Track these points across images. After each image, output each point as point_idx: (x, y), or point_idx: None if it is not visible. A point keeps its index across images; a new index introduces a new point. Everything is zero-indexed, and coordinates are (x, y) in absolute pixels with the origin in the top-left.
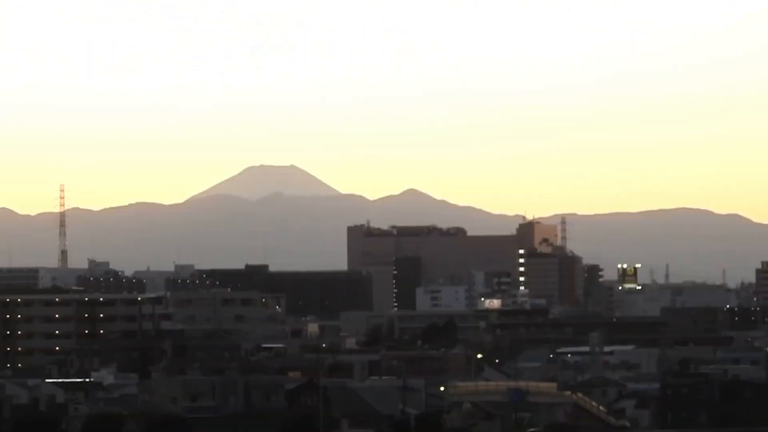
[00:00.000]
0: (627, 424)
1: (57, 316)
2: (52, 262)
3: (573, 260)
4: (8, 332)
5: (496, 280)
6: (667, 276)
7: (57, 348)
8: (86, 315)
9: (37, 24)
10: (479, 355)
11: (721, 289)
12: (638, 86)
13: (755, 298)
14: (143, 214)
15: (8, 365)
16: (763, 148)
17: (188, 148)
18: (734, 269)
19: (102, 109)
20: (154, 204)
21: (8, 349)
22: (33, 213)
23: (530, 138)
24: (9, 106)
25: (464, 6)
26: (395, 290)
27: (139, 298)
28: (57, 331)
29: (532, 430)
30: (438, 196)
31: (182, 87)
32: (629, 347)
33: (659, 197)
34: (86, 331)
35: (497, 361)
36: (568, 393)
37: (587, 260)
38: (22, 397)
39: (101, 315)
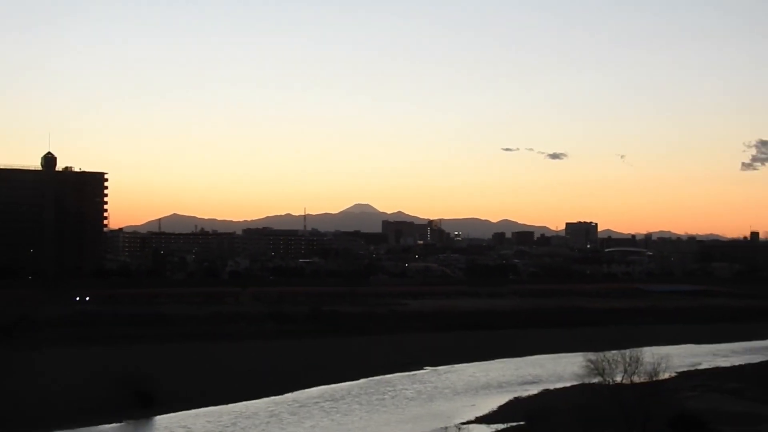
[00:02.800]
0: (456, 276)
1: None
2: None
3: (443, 231)
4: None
5: (423, 236)
6: (468, 235)
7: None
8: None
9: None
10: (416, 256)
11: (482, 240)
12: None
13: (492, 243)
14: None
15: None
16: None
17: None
18: (486, 234)
19: None
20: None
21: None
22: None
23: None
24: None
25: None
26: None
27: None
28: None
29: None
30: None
31: None
32: (457, 255)
33: (466, 211)
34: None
35: (421, 258)
36: (441, 267)
37: (447, 231)
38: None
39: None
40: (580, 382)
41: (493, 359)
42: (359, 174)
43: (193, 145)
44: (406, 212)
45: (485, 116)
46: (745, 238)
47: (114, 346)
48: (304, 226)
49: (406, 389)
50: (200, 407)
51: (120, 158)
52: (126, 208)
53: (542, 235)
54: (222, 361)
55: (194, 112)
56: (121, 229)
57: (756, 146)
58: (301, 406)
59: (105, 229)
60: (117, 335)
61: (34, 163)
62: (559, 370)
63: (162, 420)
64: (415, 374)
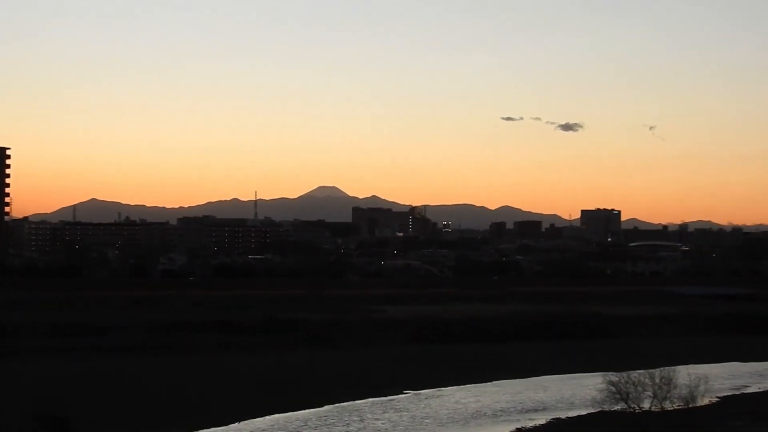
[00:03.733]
0: (444, 275)
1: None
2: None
3: (427, 220)
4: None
5: (403, 226)
6: (459, 226)
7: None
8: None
9: None
10: (395, 252)
11: (476, 232)
12: None
13: (489, 236)
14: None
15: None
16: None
17: None
18: (482, 225)
19: None
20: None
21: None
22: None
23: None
24: None
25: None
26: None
27: None
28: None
29: None
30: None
31: None
32: (445, 250)
33: (456, 196)
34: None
35: (401, 254)
36: (425, 265)
37: (433, 221)
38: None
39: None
40: (599, 410)
41: (489, 380)
42: (323, 150)
43: (116, 117)
44: (382, 197)
45: (481, 79)
46: None
47: (15, 363)
48: (255, 213)
49: (379, 419)
50: None
51: (26, 133)
52: (33, 192)
53: (552, 226)
54: (152, 383)
55: (118, 79)
56: (26, 218)
57: None
58: None
59: (7, 217)
60: (19, 349)
61: None
62: (571, 394)
63: None
64: (392, 400)
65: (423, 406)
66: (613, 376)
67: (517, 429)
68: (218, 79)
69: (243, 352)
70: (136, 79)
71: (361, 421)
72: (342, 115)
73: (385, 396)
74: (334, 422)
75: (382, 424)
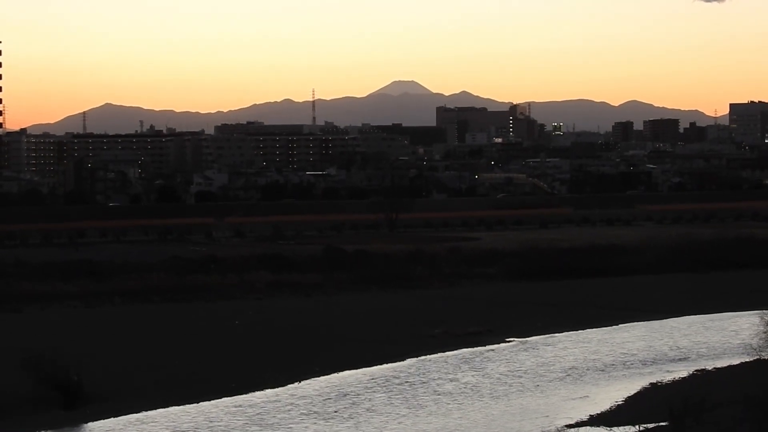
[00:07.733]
0: (555, 192)
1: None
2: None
3: (533, 121)
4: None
5: (502, 130)
6: (573, 127)
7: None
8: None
9: None
10: (492, 162)
11: (596, 135)
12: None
13: (612, 139)
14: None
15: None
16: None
17: None
18: (603, 126)
19: None
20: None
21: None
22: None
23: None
24: None
25: None
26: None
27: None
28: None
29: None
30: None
31: None
32: (557, 159)
33: (569, 90)
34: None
35: (500, 165)
36: (530, 178)
37: (540, 122)
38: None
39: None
40: (755, 357)
41: (614, 323)
42: (397, 35)
43: (135, 2)
44: (474, 93)
45: None
46: None
47: (16, 312)
48: (313, 118)
49: (476, 374)
50: (147, 409)
51: (23, 23)
52: (33, 98)
53: (692, 125)
54: (183, 333)
55: None
56: (24, 130)
57: None
58: (291, 407)
59: None
60: (20, 294)
61: None
62: (720, 339)
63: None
64: (492, 350)
65: (534, 356)
66: None
67: (652, 384)
68: None
69: (297, 295)
70: None
71: (455, 375)
72: None
73: (483, 345)
74: (421, 379)
75: (483, 380)
